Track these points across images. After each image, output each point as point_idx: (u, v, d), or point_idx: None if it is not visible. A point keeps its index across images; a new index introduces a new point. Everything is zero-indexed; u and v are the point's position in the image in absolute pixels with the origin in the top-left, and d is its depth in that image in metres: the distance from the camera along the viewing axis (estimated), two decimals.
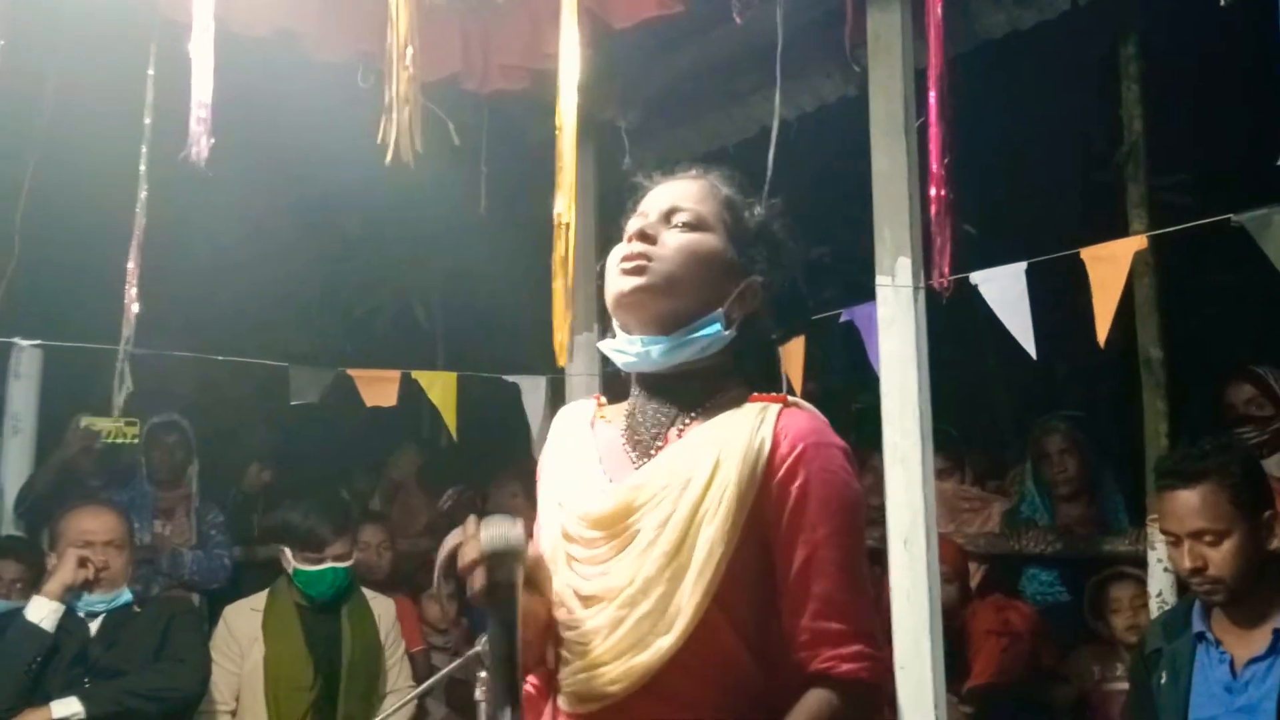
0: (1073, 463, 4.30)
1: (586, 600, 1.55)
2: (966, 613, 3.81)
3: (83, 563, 3.43)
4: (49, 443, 4.35)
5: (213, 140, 2.70)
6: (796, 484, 1.50)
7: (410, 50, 2.75)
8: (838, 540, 1.50)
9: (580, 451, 1.68)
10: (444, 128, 3.24)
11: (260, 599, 3.89)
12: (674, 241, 1.60)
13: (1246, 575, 2.46)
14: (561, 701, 1.56)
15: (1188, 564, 2.50)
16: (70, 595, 3.42)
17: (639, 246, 1.59)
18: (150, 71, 3.07)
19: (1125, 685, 3.26)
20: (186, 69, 2.77)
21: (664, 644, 1.48)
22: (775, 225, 1.71)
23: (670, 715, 1.49)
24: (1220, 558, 2.46)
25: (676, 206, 1.64)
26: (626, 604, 1.51)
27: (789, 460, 1.51)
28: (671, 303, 1.58)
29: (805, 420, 1.56)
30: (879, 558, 3.20)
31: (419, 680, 3.97)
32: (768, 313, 1.67)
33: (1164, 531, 2.62)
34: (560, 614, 1.58)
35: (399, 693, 3.89)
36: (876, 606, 1.55)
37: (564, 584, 1.58)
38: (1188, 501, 2.51)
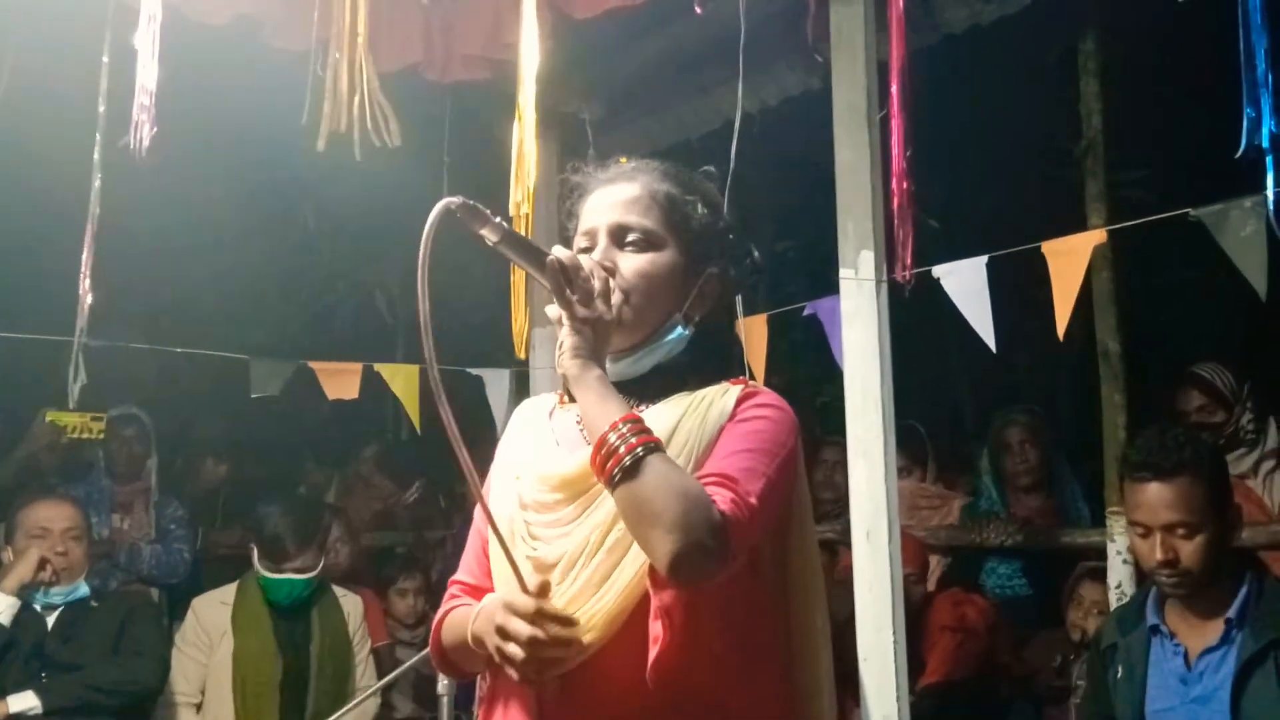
0: (1034, 454, 4.34)
1: (547, 568, 1.54)
2: (920, 606, 3.81)
3: (43, 564, 3.39)
4: (5, 434, 4.29)
5: (155, 129, 2.66)
6: (740, 414, 1.58)
7: (361, 38, 2.72)
8: (753, 431, 1.56)
9: (538, 435, 1.73)
10: (409, 117, 3.21)
11: (229, 592, 3.86)
12: (630, 268, 1.64)
13: (1210, 569, 2.48)
14: (517, 675, 1.51)
15: (1159, 556, 2.47)
16: (27, 593, 3.38)
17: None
18: (105, 59, 3.02)
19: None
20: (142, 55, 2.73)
21: (623, 578, 1.49)
22: (719, 215, 1.74)
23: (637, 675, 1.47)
24: (1192, 551, 2.46)
25: (624, 225, 1.66)
26: (587, 556, 1.52)
27: (742, 404, 1.59)
28: (639, 330, 1.65)
29: (766, 390, 1.65)
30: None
31: (383, 676, 3.95)
32: (725, 299, 1.72)
33: (1133, 523, 2.59)
34: (513, 591, 1.56)
35: (365, 689, 3.87)
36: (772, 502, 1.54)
37: (522, 556, 1.57)
38: (1162, 494, 2.49)
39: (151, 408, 5.03)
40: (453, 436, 1.44)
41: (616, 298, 1.60)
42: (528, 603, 1.47)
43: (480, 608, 1.59)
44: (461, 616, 1.64)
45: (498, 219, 1.49)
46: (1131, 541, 2.69)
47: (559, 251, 1.54)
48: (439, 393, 1.47)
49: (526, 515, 1.61)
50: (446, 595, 1.76)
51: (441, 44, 3.65)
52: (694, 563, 1.39)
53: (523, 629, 1.45)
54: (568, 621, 1.47)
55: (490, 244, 1.51)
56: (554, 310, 1.55)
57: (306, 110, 2.72)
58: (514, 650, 1.46)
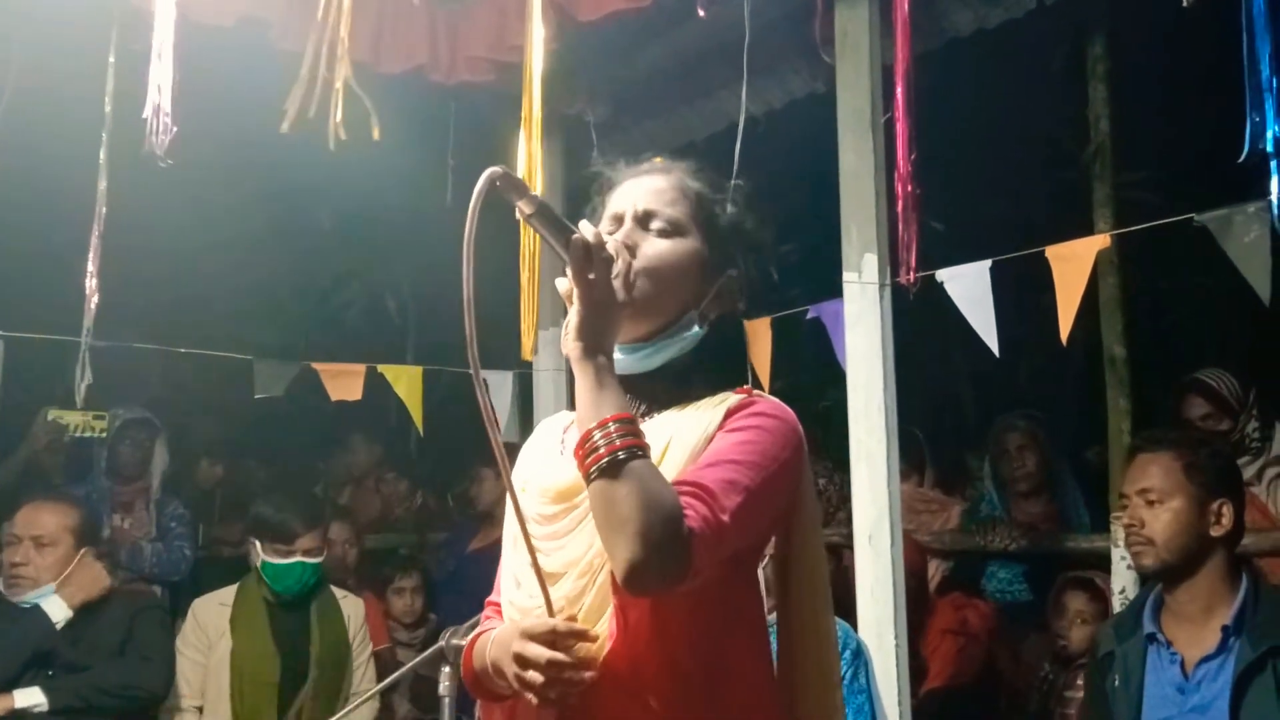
0: (1031, 459, 4.32)
1: (550, 578, 1.54)
2: (924, 611, 3.80)
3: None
4: (10, 434, 4.29)
5: (174, 130, 2.67)
6: (731, 423, 1.55)
7: (345, 28, 2.74)
8: (743, 441, 1.51)
9: (548, 449, 1.72)
10: (414, 119, 3.22)
11: (229, 593, 3.85)
12: (653, 251, 1.62)
13: (1180, 549, 2.51)
14: (537, 699, 1.50)
15: (1125, 520, 2.61)
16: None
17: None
18: (111, 59, 3.03)
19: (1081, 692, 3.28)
20: (149, 56, 2.74)
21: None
22: (747, 217, 1.74)
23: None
24: (1156, 520, 2.54)
25: (652, 211, 1.65)
26: (585, 573, 1.51)
27: (737, 411, 1.56)
28: (655, 317, 1.62)
29: (767, 399, 1.61)
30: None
31: (384, 679, 3.95)
32: (739, 304, 1.71)
33: (1121, 495, 2.71)
34: (519, 597, 1.59)
35: (364, 693, 3.86)
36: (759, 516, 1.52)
37: (524, 564, 1.57)
38: (1144, 464, 2.62)
39: (156, 407, 5.03)
40: (495, 441, 1.44)
41: (637, 283, 1.58)
42: (543, 624, 1.47)
43: (494, 635, 1.59)
44: (484, 643, 1.63)
45: (534, 193, 1.50)
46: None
47: (585, 229, 1.52)
48: (479, 381, 1.48)
49: (529, 528, 1.59)
50: (482, 616, 1.76)
51: (446, 46, 3.67)
52: (648, 575, 1.37)
53: (541, 653, 1.45)
54: (585, 635, 1.47)
55: (525, 215, 1.51)
56: (564, 284, 1.52)
57: (293, 109, 2.73)
58: (534, 676, 1.45)
